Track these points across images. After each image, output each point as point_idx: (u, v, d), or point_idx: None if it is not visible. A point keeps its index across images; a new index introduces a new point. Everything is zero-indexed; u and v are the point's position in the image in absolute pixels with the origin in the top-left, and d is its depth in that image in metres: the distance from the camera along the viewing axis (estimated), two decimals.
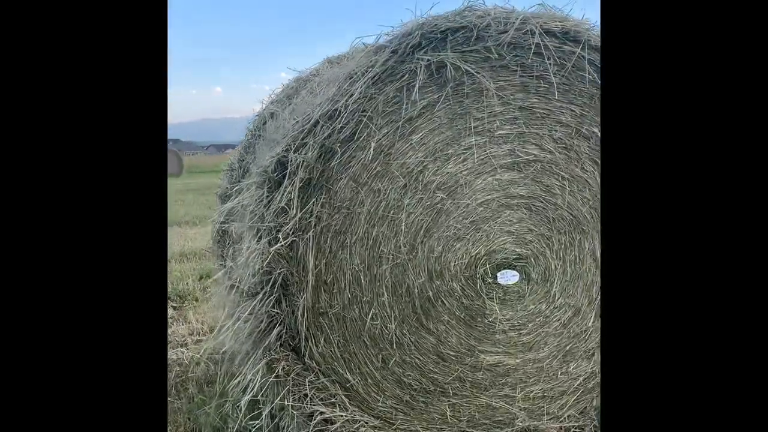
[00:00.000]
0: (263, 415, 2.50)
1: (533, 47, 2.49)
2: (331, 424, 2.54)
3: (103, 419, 1.04)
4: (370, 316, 2.57)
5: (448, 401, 2.73)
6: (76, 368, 1.04)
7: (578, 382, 2.89)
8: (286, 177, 2.34)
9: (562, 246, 2.78)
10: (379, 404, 2.65)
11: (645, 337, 1.14)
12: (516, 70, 2.57)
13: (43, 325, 1.01)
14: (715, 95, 1.12)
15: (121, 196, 1.06)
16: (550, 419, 2.85)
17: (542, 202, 2.72)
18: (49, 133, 1.03)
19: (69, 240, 1.03)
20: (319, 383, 2.54)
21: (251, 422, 2.57)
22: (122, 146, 1.07)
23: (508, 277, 2.75)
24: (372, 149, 2.44)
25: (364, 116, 2.41)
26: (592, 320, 2.87)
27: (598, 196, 2.77)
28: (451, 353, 2.72)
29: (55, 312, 1.02)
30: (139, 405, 1.06)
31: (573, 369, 2.88)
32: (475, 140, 2.58)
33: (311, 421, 2.49)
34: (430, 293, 2.64)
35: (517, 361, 2.81)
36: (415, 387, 2.69)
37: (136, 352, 1.07)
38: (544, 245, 2.76)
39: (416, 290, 2.61)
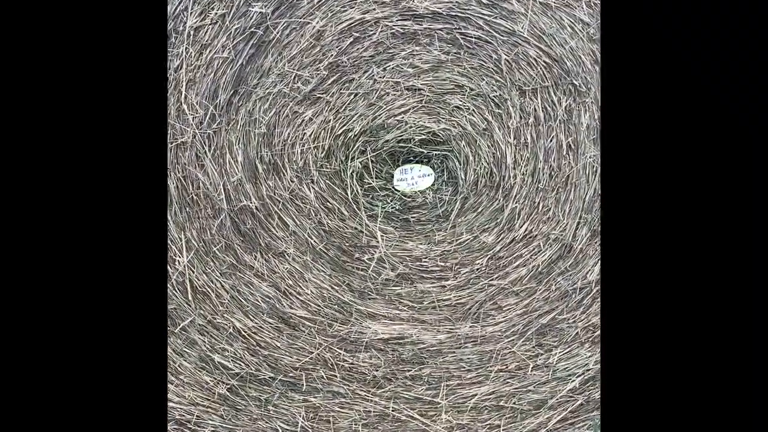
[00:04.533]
0: None
1: None
2: None
3: (102, 418, 1.03)
4: None
5: (303, 401, 1.52)
6: (75, 368, 1.02)
7: (571, 386, 1.53)
8: None
9: (527, 122, 1.41)
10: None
11: (649, 339, 1.06)
12: None
13: (41, 325, 1.01)
14: (718, 92, 1.08)
15: (121, 195, 1.05)
16: None
17: (484, 30, 1.36)
18: (44, 132, 1.02)
19: (68, 239, 1.02)
20: None
21: None
22: (121, 145, 1.06)
23: (413, 179, 1.45)
24: None
25: None
26: (598, 270, 1.48)
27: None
28: (305, 316, 1.49)
29: (50, 311, 1.01)
30: (139, 404, 1.05)
31: (558, 361, 1.52)
32: None
33: None
34: (255, 204, 1.42)
35: (441, 337, 1.51)
36: (237, 372, 1.50)
37: (135, 351, 1.05)
38: (490, 117, 1.41)
39: (223, 196, 1.41)
